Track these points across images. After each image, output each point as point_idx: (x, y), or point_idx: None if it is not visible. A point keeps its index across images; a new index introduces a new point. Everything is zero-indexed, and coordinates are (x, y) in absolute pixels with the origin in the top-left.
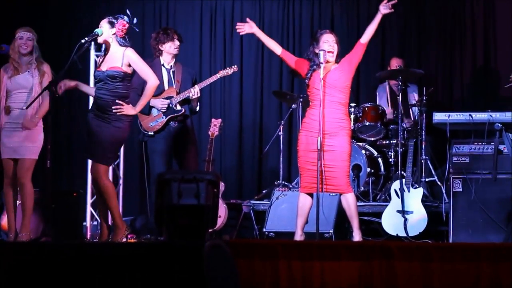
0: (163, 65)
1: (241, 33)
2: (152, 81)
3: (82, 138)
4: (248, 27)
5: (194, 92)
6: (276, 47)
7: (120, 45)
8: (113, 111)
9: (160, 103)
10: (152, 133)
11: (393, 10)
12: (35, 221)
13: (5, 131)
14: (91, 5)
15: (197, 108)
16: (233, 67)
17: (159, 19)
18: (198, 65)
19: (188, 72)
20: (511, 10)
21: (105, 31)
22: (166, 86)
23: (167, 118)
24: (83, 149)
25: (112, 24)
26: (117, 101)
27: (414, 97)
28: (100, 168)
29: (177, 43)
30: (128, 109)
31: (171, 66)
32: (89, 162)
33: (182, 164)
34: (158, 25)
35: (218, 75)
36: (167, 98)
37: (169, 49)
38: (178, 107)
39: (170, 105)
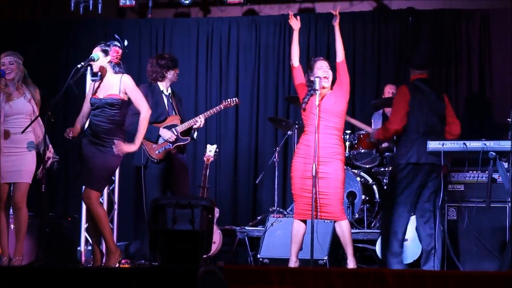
0: (162, 91)
1: (289, 20)
2: (144, 112)
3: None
4: (295, 22)
5: (200, 122)
6: (296, 58)
7: (115, 72)
8: (114, 151)
9: (169, 135)
10: (157, 160)
11: (338, 14)
12: (29, 245)
13: (3, 155)
14: (88, 29)
15: (195, 136)
16: (235, 99)
17: (155, 43)
18: (193, 90)
19: (178, 99)
20: (506, 38)
21: (100, 59)
22: (167, 113)
23: (173, 146)
24: (74, 174)
25: (105, 52)
26: (115, 140)
27: None
28: (92, 194)
29: (177, 71)
30: (129, 147)
31: (169, 93)
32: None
33: (175, 190)
34: (154, 49)
35: (221, 106)
36: (171, 126)
37: (171, 77)
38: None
39: (176, 134)
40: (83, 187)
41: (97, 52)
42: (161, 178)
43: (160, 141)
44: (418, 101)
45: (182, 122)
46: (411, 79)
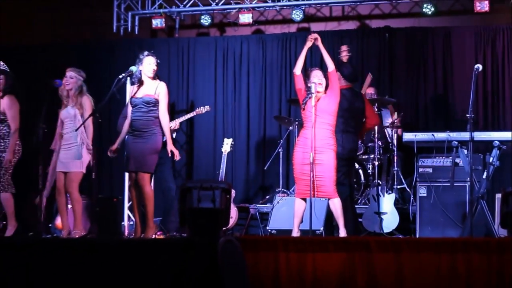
0: None
1: (310, 39)
2: (161, 115)
3: (120, 155)
4: (309, 43)
5: (175, 124)
6: (299, 68)
7: (153, 79)
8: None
9: None
10: None
11: (316, 37)
12: (84, 221)
13: (60, 150)
14: (127, 47)
15: (174, 135)
16: (206, 107)
17: (181, 57)
18: (213, 95)
19: None
20: (464, 49)
21: (153, 66)
22: None
23: None
24: (125, 167)
25: (158, 64)
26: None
27: (387, 120)
28: (145, 177)
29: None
30: (169, 146)
31: None
32: (126, 175)
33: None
34: (181, 62)
35: (194, 113)
36: None
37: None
38: None
39: None
40: (127, 174)
41: (154, 61)
42: None
43: None
44: (341, 107)
45: None
46: (340, 87)
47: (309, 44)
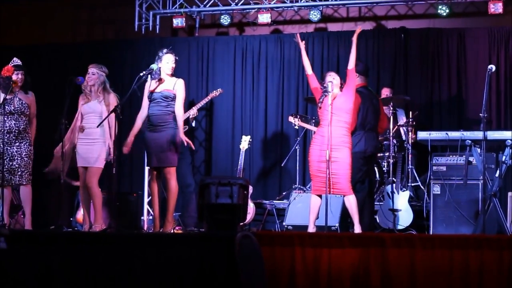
0: None
1: (295, 39)
2: (178, 110)
3: (140, 151)
4: (299, 42)
5: (194, 112)
6: (308, 67)
7: (171, 76)
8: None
9: None
10: None
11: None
12: (103, 216)
13: (79, 144)
14: (148, 46)
15: (193, 124)
16: (219, 89)
17: (201, 56)
18: (232, 93)
19: None
20: (478, 50)
21: (171, 64)
22: None
23: None
24: (147, 163)
25: (176, 62)
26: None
27: (402, 119)
28: (171, 171)
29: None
30: (190, 142)
31: None
32: (146, 170)
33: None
34: (200, 61)
35: (209, 97)
36: None
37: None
38: None
39: None
40: (147, 169)
41: (172, 58)
42: None
43: None
44: (363, 104)
45: None
46: (356, 86)
47: (300, 44)
